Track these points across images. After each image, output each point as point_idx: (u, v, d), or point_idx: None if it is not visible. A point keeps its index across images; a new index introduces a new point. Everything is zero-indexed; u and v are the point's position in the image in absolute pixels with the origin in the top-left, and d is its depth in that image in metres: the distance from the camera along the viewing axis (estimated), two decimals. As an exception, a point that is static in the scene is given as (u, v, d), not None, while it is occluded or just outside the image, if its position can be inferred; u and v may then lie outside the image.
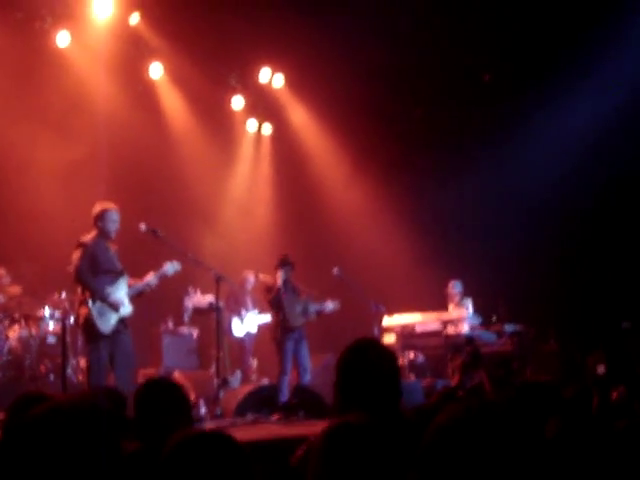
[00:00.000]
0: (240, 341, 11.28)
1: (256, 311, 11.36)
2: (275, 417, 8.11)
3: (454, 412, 1.70)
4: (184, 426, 3.10)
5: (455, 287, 11.05)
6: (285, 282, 9.62)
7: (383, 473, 2.14)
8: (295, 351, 9.53)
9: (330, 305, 9.98)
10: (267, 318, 11.03)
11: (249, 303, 11.42)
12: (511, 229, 11.65)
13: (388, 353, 3.03)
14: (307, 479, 2.25)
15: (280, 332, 9.52)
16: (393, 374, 2.91)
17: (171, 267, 7.62)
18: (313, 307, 9.81)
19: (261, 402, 8.68)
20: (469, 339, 7.18)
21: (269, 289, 9.70)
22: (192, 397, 9.56)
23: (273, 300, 9.63)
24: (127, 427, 3.24)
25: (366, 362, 2.89)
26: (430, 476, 1.62)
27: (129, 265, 7.68)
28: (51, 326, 10.11)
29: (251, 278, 11.53)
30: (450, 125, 12.15)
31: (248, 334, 11.32)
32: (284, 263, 9.69)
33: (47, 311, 9.95)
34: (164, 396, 3.39)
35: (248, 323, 11.29)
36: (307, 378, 9.53)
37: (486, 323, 10.76)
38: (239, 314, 11.23)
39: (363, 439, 2.20)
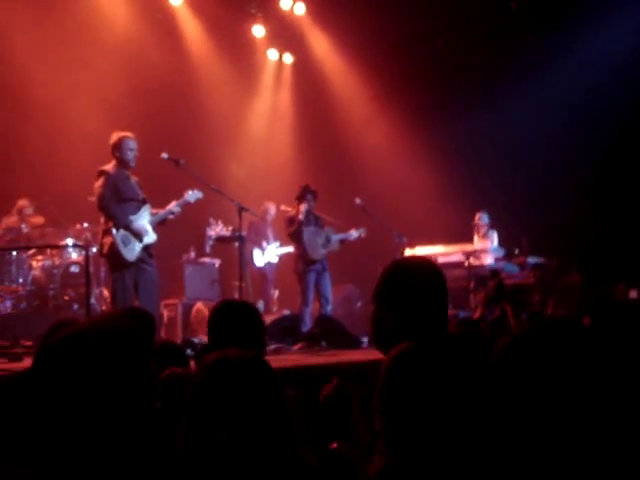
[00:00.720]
0: (261, 272, 11.31)
1: (277, 243, 11.36)
2: (297, 346, 8.15)
3: (532, 326, 1.65)
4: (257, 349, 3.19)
5: (482, 219, 10.94)
6: (307, 213, 9.57)
7: (454, 391, 2.14)
8: (317, 282, 9.55)
9: (354, 233, 9.93)
10: (288, 249, 11.05)
11: (270, 235, 11.41)
12: (535, 162, 11.53)
13: (434, 269, 2.62)
14: (335, 416, 2.25)
15: (301, 265, 9.53)
16: (441, 292, 2.55)
17: (193, 195, 7.61)
18: (336, 237, 9.77)
19: (283, 332, 8.71)
20: (494, 271, 7.06)
21: (290, 221, 9.66)
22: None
23: (294, 233, 9.61)
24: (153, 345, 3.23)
25: (409, 281, 2.51)
26: (504, 392, 1.57)
27: (151, 195, 7.66)
28: (74, 256, 10.18)
29: (272, 209, 11.50)
30: (474, 56, 11.89)
31: (269, 264, 11.34)
32: (305, 193, 9.62)
33: (70, 241, 10.00)
34: (241, 317, 3.37)
35: (269, 254, 11.30)
36: (329, 309, 9.58)
37: (509, 255, 10.70)
38: (260, 246, 11.24)
39: (430, 360, 2.20)
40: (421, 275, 2.53)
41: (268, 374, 2.05)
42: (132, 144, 7.29)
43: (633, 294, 8.75)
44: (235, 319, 3.37)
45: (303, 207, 9.54)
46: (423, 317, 2.45)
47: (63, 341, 1.81)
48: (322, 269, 9.62)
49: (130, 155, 7.26)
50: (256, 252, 11.19)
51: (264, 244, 11.27)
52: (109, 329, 1.83)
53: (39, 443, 1.83)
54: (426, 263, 2.64)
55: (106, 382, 1.76)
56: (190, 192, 7.60)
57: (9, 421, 2.77)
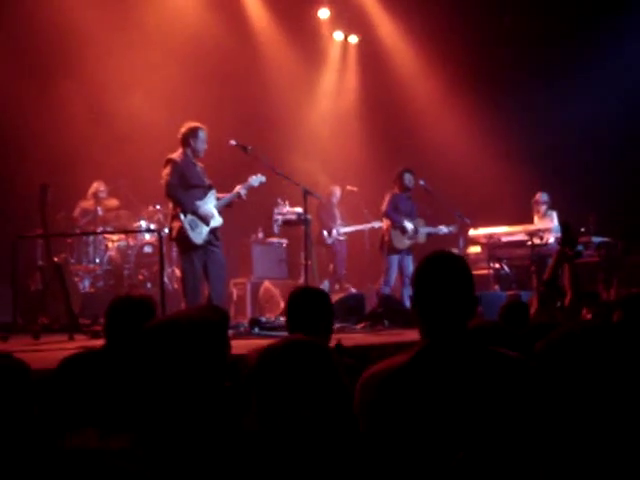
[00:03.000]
0: (330, 251, 11.50)
1: (343, 223, 11.56)
2: (361, 325, 8.38)
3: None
4: (326, 331, 3.67)
5: (542, 197, 10.92)
6: (402, 198, 9.78)
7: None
8: (400, 262, 9.78)
9: (444, 229, 10.14)
10: (354, 228, 11.31)
11: (337, 216, 11.60)
12: (602, 141, 11.44)
13: (458, 266, 2.56)
14: None
15: (386, 248, 9.79)
16: (459, 288, 2.49)
17: (256, 179, 7.89)
18: (424, 230, 9.96)
19: (349, 311, 8.89)
20: (565, 224, 6.97)
21: (390, 201, 9.84)
22: (281, 305, 9.93)
23: (385, 216, 9.85)
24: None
25: (431, 276, 2.50)
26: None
27: (218, 180, 7.96)
28: (147, 237, 10.59)
29: (337, 192, 11.70)
30: (539, 35, 11.83)
31: (338, 243, 11.52)
32: (403, 173, 9.83)
33: (143, 223, 10.40)
34: (314, 302, 3.75)
35: (337, 234, 11.49)
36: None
37: (573, 235, 10.65)
38: (328, 225, 11.41)
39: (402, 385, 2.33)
40: (427, 271, 2.53)
41: (323, 356, 2.26)
42: (204, 135, 7.59)
43: None
44: (309, 305, 3.73)
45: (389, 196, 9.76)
46: (437, 307, 2.46)
47: (159, 327, 2.17)
48: (407, 251, 9.85)
49: (201, 146, 7.58)
50: (325, 231, 11.39)
51: (332, 224, 11.45)
52: (196, 320, 2.19)
53: (126, 413, 2.17)
54: (439, 258, 2.57)
55: (191, 362, 2.10)
56: (254, 177, 7.89)
57: (95, 392, 3.11)
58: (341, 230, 11.49)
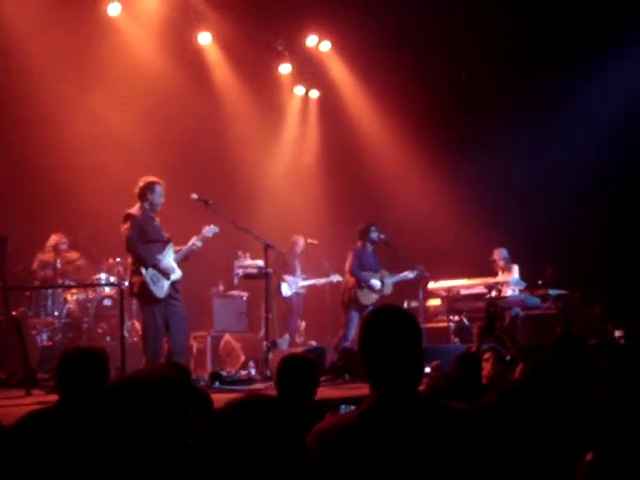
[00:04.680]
0: (288, 303, 11.49)
1: (303, 276, 11.57)
2: (322, 379, 8.34)
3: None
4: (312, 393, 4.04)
5: (500, 254, 11.04)
6: (365, 253, 9.82)
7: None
8: (361, 317, 9.78)
9: (410, 274, 10.19)
10: (314, 282, 11.31)
11: (297, 267, 11.60)
12: (558, 194, 11.68)
13: (404, 320, 2.50)
14: None
15: (353, 305, 9.80)
16: (406, 342, 2.45)
17: (210, 230, 7.97)
18: (390, 280, 10.00)
19: (309, 364, 8.85)
20: (489, 303, 7.12)
21: (354, 257, 9.85)
22: (242, 359, 9.88)
23: (351, 273, 9.86)
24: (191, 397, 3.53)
25: (377, 331, 2.48)
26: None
27: (177, 235, 7.98)
28: (107, 290, 10.50)
29: (301, 242, 11.71)
30: (497, 90, 12.11)
31: (296, 295, 11.53)
32: (369, 226, 9.88)
33: (103, 275, 10.32)
34: (301, 369, 4.06)
35: (296, 286, 11.50)
36: None
37: (531, 287, 10.83)
38: (287, 278, 11.41)
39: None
40: (373, 327, 2.50)
41: (281, 414, 2.29)
42: (161, 190, 7.68)
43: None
44: (300, 373, 4.06)
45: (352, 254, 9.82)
46: (376, 369, 2.47)
47: (121, 387, 2.20)
48: (372, 306, 9.87)
49: (159, 200, 7.66)
50: (283, 284, 11.39)
51: (291, 276, 11.46)
52: (159, 379, 2.22)
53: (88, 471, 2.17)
54: (384, 313, 2.53)
55: (153, 421, 2.11)
56: (207, 227, 7.97)
57: (49, 450, 3.08)
58: (300, 283, 11.51)
